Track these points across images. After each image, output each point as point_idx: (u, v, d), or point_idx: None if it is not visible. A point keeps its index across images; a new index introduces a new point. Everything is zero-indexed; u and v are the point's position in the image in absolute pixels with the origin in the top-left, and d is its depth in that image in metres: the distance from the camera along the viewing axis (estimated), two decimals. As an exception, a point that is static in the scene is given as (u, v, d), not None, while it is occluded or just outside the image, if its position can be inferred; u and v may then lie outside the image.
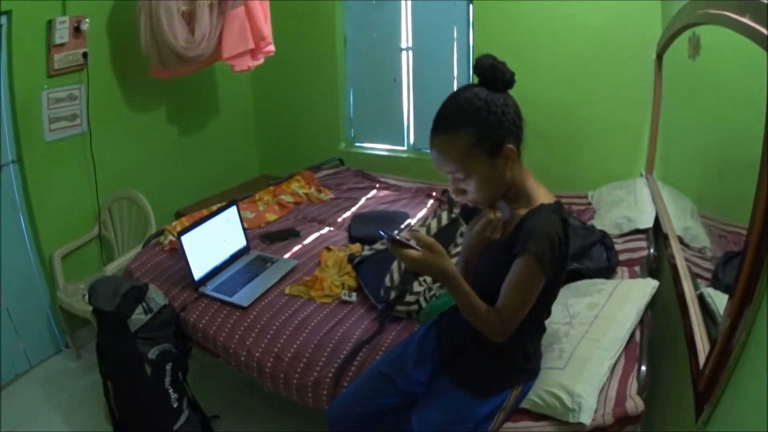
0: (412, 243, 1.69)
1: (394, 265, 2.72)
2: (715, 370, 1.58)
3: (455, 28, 4.57)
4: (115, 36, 3.76)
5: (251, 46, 3.83)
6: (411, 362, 2.10)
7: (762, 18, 1.46)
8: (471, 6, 4.39)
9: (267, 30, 3.90)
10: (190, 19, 3.62)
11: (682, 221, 2.88)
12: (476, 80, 1.70)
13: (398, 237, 1.71)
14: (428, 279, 2.68)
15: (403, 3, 4.69)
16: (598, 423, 1.90)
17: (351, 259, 3.02)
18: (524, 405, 2.02)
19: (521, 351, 1.95)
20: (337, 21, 4.82)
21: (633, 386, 2.03)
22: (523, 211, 1.73)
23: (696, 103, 2.83)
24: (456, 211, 3.11)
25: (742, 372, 1.46)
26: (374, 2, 4.78)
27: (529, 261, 1.62)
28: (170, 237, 3.15)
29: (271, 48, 4.02)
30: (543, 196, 1.74)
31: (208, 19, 3.60)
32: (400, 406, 2.06)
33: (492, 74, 1.65)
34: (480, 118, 1.62)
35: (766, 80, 1.36)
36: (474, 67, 1.68)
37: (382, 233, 1.75)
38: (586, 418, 1.88)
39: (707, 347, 1.80)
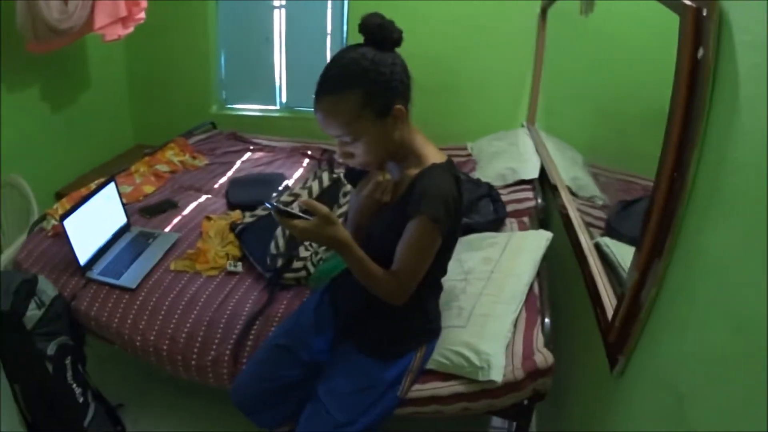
0: (297, 210, 1.64)
1: (278, 231, 2.64)
2: (626, 322, 1.62)
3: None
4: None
5: (123, 13, 3.62)
6: (309, 331, 2.05)
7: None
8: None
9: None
10: (62, -12, 3.38)
11: (569, 171, 2.95)
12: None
13: (285, 208, 1.64)
14: (314, 243, 2.63)
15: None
16: (508, 379, 1.93)
17: (233, 227, 2.92)
18: (430, 366, 2.02)
19: (421, 312, 1.94)
20: (208, -21, 4.62)
21: (539, 339, 2.06)
22: (414, 172, 1.69)
23: (583, 57, 2.89)
24: (337, 171, 3.05)
25: (655, 323, 1.50)
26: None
27: (424, 222, 1.59)
28: (53, 221, 2.95)
29: (142, 15, 3.83)
30: (433, 155, 1.71)
31: None
32: (305, 377, 2.01)
33: (380, 33, 1.58)
34: (367, 79, 1.55)
35: (677, 47, 1.37)
36: (360, 26, 1.60)
37: (267, 204, 1.68)
38: (496, 375, 1.91)
39: (612, 298, 1.84)
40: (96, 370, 2.69)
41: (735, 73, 1.17)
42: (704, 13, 1.26)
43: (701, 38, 1.28)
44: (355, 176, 1.94)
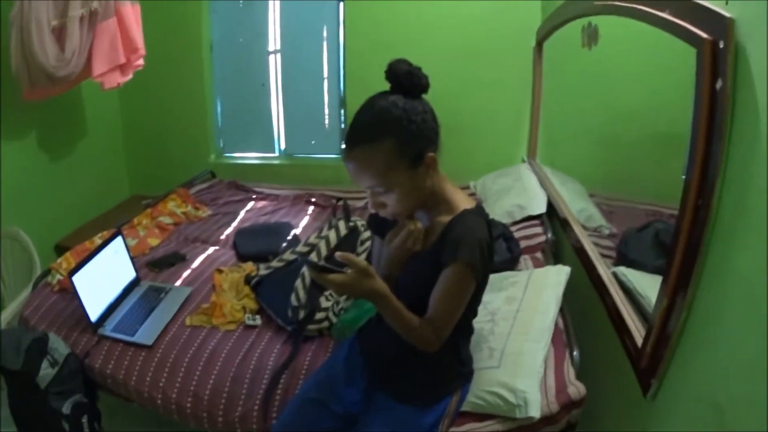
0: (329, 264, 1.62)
1: (298, 282, 2.62)
2: (657, 347, 1.66)
3: (325, 27, 4.54)
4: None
5: (122, 60, 3.61)
6: (341, 383, 2.03)
7: (683, 13, 1.55)
8: (341, 4, 4.37)
9: (139, 40, 3.70)
10: (60, 34, 3.33)
11: (576, 203, 3.00)
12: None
13: (322, 264, 1.65)
14: (335, 293, 2.62)
15: (271, 4, 4.58)
16: (544, 413, 1.94)
17: (248, 280, 2.91)
18: (466, 408, 2.02)
19: (455, 356, 1.93)
20: (203, 27, 4.63)
21: (570, 372, 2.09)
22: (445, 218, 1.66)
23: (583, 88, 2.97)
24: (353, 219, 3.06)
25: (686, 345, 1.54)
26: (241, 4, 4.64)
27: (461, 269, 1.57)
28: (58, 276, 2.94)
29: (141, 62, 3.82)
30: (463, 201, 1.70)
31: (78, 34, 3.34)
32: (340, 429, 1.99)
33: (408, 81, 1.56)
34: (400, 128, 1.52)
35: (695, 76, 1.42)
36: (387, 73, 1.57)
37: (304, 262, 1.69)
38: (534, 411, 1.92)
39: (638, 324, 1.88)
40: (109, 424, 2.69)
41: (754, 102, 1.23)
42: (721, 46, 1.32)
43: (719, 70, 1.33)
44: (378, 224, 1.93)
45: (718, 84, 1.33)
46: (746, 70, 1.26)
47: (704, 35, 1.38)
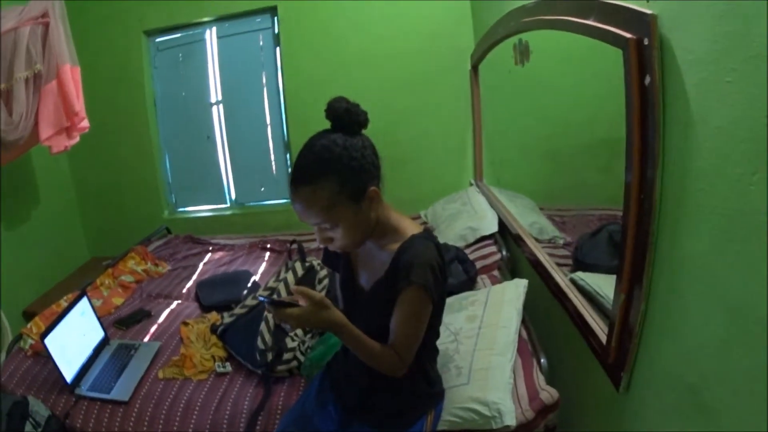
0: (298, 299, 1.64)
1: (262, 326, 2.65)
2: (622, 341, 1.70)
3: (264, 73, 4.60)
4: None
5: (66, 123, 3.59)
6: (316, 418, 2.05)
7: (606, 17, 1.62)
8: (278, 48, 4.44)
9: (79, 104, 3.65)
10: (7, 98, 3.32)
11: (526, 218, 3.06)
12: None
13: (279, 299, 1.67)
14: (299, 333, 2.65)
15: (209, 55, 4.64)
16: (520, 421, 1.98)
17: (213, 329, 2.93)
18: (442, 427, 2.04)
19: (423, 378, 1.95)
20: (145, 82, 4.67)
21: (540, 379, 2.14)
22: (394, 246, 1.69)
23: (522, 104, 3.05)
24: (309, 259, 3.09)
25: (650, 334, 1.59)
26: (180, 57, 4.69)
27: (415, 292, 1.61)
28: (30, 340, 2.93)
29: (86, 123, 3.77)
30: (410, 227, 1.73)
31: (24, 97, 3.32)
32: None
33: (347, 118, 1.60)
34: (341, 165, 1.55)
35: (624, 78, 1.49)
36: (327, 112, 1.60)
37: (261, 298, 1.72)
38: (510, 420, 1.95)
39: (600, 323, 1.92)
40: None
41: (683, 90, 1.29)
42: (645, 42, 1.38)
43: (646, 66, 1.40)
44: (333, 260, 1.98)
45: (647, 80, 1.40)
46: (673, 62, 1.33)
47: (628, 35, 1.45)
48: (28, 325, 3.08)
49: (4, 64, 3.31)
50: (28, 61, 3.35)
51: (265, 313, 2.68)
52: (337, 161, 1.56)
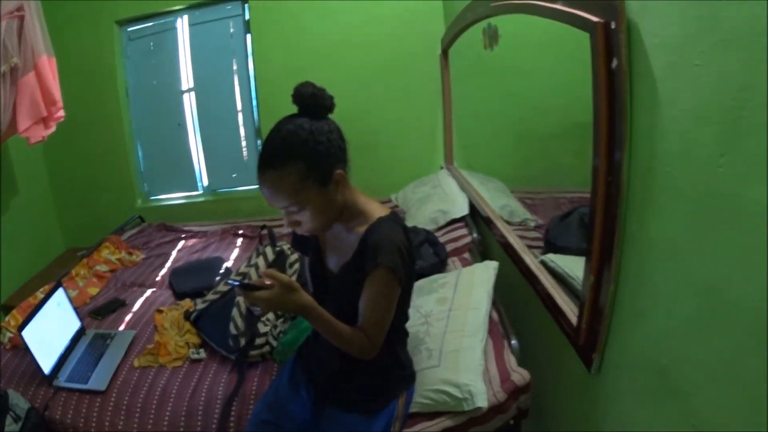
0: (266, 282, 1.64)
1: (234, 311, 2.65)
2: (592, 322, 1.72)
3: (234, 60, 4.57)
4: None
5: (44, 113, 3.56)
6: (289, 402, 2.06)
7: (574, 1, 1.62)
8: (248, 35, 4.41)
9: (57, 92, 3.64)
10: (-17, 93, 3.31)
11: (497, 201, 3.07)
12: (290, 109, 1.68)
13: (246, 281, 1.67)
14: (271, 317, 2.65)
15: (180, 43, 4.60)
16: (491, 402, 2.00)
17: (187, 315, 2.92)
18: (414, 409, 2.06)
19: (394, 360, 1.97)
20: (117, 72, 4.60)
21: (511, 360, 2.16)
22: (361, 229, 1.72)
23: (492, 89, 3.05)
24: (279, 243, 3.09)
25: (621, 315, 1.61)
26: (152, 46, 4.64)
27: (383, 274, 1.63)
28: (8, 334, 2.91)
29: (62, 113, 3.75)
30: (377, 210, 1.75)
31: (2, 90, 3.28)
32: None
33: (313, 102, 1.62)
34: (307, 149, 1.58)
35: (591, 62, 1.50)
36: (294, 96, 1.63)
37: (230, 282, 1.72)
38: (481, 402, 1.97)
39: (571, 305, 1.94)
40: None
41: (650, 74, 1.30)
42: (612, 26, 1.39)
43: (613, 49, 1.41)
44: (302, 243, 1.99)
45: (614, 63, 1.41)
46: (640, 46, 1.33)
47: (595, 19, 1.45)
48: (6, 319, 3.06)
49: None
50: (4, 55, 3.32)
51: (237, 298, 2.68)
52: (303, 145, 1.58)
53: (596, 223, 1.60)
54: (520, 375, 2.05)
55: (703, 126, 1.14)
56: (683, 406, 1.32)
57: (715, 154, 1.11)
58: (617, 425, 1.69)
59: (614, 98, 1.44)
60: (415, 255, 1.84)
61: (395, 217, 1.76)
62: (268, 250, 2.99)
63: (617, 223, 1.51)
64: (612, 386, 1.71)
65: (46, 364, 2.59)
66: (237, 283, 1.65)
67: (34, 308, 2.67)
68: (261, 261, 2.93)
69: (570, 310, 1.93)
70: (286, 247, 3.01)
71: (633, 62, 1.37)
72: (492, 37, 2.69)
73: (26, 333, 2.51)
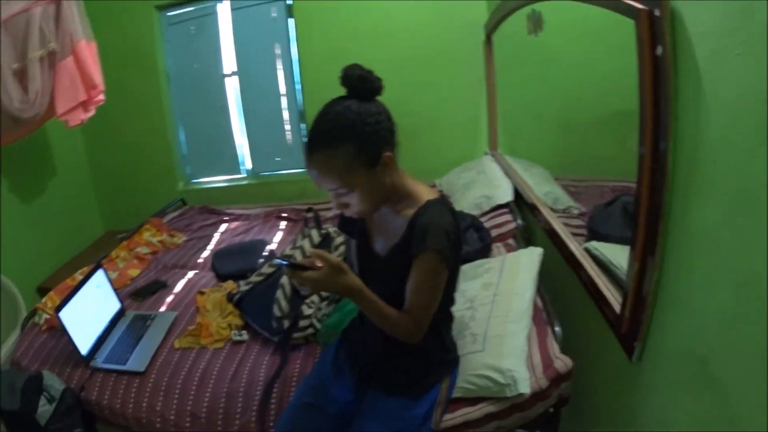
0: (316, 263, 1.67)
1: (278, 293, 2.67)
2: (635, 310, 1.71)
3: (277, 44, 4.59)
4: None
5: (83, 97, 3.62)
6: (332, 385, 2.05)
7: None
8: (291, 20, 4.43)
9: (97, 76, 3.69)
10: (22, 77, 3.38)
11: (541, 187, 3.06)
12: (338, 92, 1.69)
13: (295, 261, 1.69)
14: (315, 299, 2.67)
15: (222, 27, 4.63)
16: (534, 389, 1.99)
17: (230, 297, 2.95)
18: (457, 394, 2.07)
19: (439, 344, 1.98)
20: (158, 57, 4.67)
21: (554, 347, 2.15)
22: (410, 212, 1.71)
23: (536, 75, 3.03)
24: (325, 227, 3.11)
25: (663, 304, 1.60)
26: (193, 30, 4.68)
27: (431, 257, 1.63)
28: (44, 315, 2.95)
29: (102, 97, 3.80)
30: (426, 193, 1.74)
31: (39, 75, 3.35)
32: (337, 429, 2.02)
33: (362, 84, 1.62)
34: (355, 131, 1.58)
35: (636, 49, 1.49)
36: (342, 78, 1.63)
37: (279, 262, 1.74)
38: (524, 388, 1.97)
39: (615, 293, 1.93)
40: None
41: (694, 62, 1.29)
42: (657, 13, 1.38)
43: (657, 37, 1.39)
44: (349, 226, 2.00)
45: (659, 50, 1.39)
46: (683, 33, 1.32)
47: (639, 5, 1.44)
48: (43, 300, 3.11)
49: (17, 45, 3.34)
50: (41, 40, 3.38)
51: (282, 280, 2.71)
52: (352, 127, 1.58)
53: (641, 210, 1.58)
54: (562, 362, 2.05)
55: (744, 116, 1.13)
56: (721, 397, 1.31)
57: (756, 145, 1.09)
58: (656, 414, 1.69)
59: (659, 86, 1.43)
60: (463, 239, 1.84)
61: (444, 201, 1.76)
62: (314, 233, 3.02)
63: (662, 211, 1.50)
64: (652, 375, 1.71)
65: (84, 346, 2.63)
66: (285, 263, 1.68)
67: (72, 289, 2.70)
68: (307, 243, 2.95)
69: (613, 297, 1.92)
70: (331, 230, 3.04)
71: (677, 50, 1.36)
72: (536, 22, 2.67)
73: (63, 314, 2.53)
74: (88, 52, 3.60)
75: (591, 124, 2.32)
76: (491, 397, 2.03)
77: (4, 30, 3.28)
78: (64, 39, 3.47)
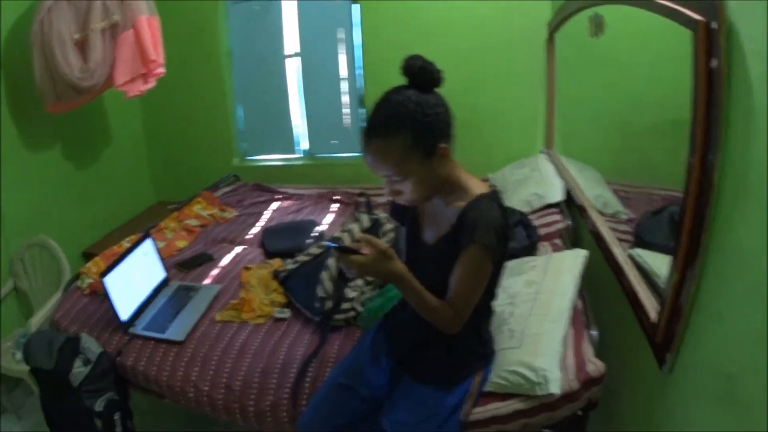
0: (363, 247, 1.70)
1: (324, 274, 2.70)
2: (671, 321, 1.71)
3: (340, 29, 4.60)
4: (7, 73, 3.49)
5: (143, 70, 3.67)
6: (367, 368, 2.09)
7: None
8: (355, 6, 4.44)
9: (158, 52, 3.74)
10: (83, 47, 3.45)
11: (592, 190, 3.05)
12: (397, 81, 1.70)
13: (343, 245, 1.73)
14: (360, 283, 2.70)
15: (285, 7, 4.66)
16: (565, 390, 2.00)
17: (276, 275, 2.99)
18: (489, 388, 2.08)
19: (476, 337, 2.00)
20: (221, 33, 4.72)
21: (589, 350, 2.16)
22: (461, 204, 1.72)
23: (595, 78, 3.02)
24: (375, 212, 3.14)
25: (698, 318, 1.60)
26: (257, 7, 4.71)
27: (478, 251, 1.64)
28: (88, 280, 3.03)
29: (162, 70, 3.83)
30: (478, 186, 1.75)
31: (101, 46, 3.43)
32: (368, 412, 2.06)
33: (422, 75, 1.64)
34: (414, 121, 1.59)
35: (692, 59, 1.48)
36: (403, 68, 1.64)
37: (328, 243, 1.77)
38: (555, 388, 1.98)
39: (653, 302, 1.93)
40: (140, 424, 2.76)
41: (747, 78, 1.29)
42: (714, 26, 1.38)
43: (713, 49, 1.39)
44: (400, 213, 2.04)
45: (713, 63, 1.39)
46: (739, 49, 1.32)
47: (698, 17, 1.44)
48: (88, 265, 3.18)
49: (78, 16, 3.41)
50: (104, 12, 3.45)
51: (328, 262, 2.74)
52: (410, 116, 1.60)
53: (686, 220, 1.58)
54: (595, 366, 2.05)
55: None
56: (744, 416, 1.32)
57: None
58: (681, 427, 1.69)
59: (712, 98, 1.42)
60: (511, 235, 1.85)
61: (495, 196, 1.77)
62: (364, 217, 3.05)
63: (705, 224, 1.50)
64: (681, 387, 1.71)
65: (125, 312, 2.68)
66: (335, 245, 1.71)
67: (119, 256, 2.75)
68: (356, 227, 2.98)
69: (651, 306, 1.92)
70: (382, 215, 3.06)
71: (732, 64, 1.35)
72: (598, 25, 2.66)
73: (108, 279, 2.58)
74: (151, 26, 3.67)
75: (647, 130, 2.30)
76: (521, 394, 2.05)
77: (67, 1, 3.36)
78: (126, 12, 3.53)
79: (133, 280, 2.79)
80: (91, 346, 2.51)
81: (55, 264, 3.50)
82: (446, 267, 1.73)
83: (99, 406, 2.45)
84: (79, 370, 2.41)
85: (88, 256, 3.94)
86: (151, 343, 2.61)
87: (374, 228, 3.03)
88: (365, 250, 1.68)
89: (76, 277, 3.14)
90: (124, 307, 2.68)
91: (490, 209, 1.68)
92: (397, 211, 2.07)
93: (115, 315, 2.64)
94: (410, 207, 1.95)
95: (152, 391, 2.57)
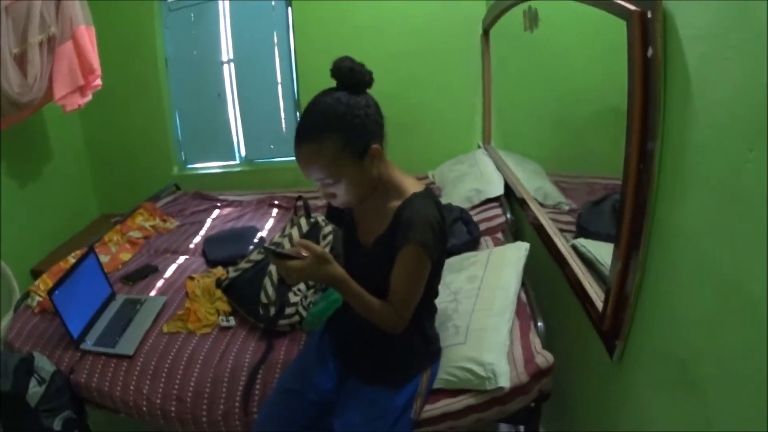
0: (301, 252, 1.69)
1: (265, 280, 2.69)
2: (617, 309, 1.73)
3: (275, 33, 4.57)
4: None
5: (81, 82, 3.60)
6: (315, 372, 2.07)
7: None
8: (290, 9, 4.41)
9: (96, 62, 3.67)
10: (21, 61, 3.34)
11: (533, 183, 3.07)
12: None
13: (281, 251, 1.71)
14: (302, 287, 2.68)
15: (221, 14, 4.61)
16: (514, 384, 2.01)
17: (218, 283, 2.96)
18: (437, 385, 2.08)
19: (421, 335, 2.00)
20: (157, 42, 4.64)
21: (536, 342, 2.16)
22: (396, 204, 1.73)
23: (531, 72, 3.04)
24: (314, 215, 3.11)
25: (644, 304, 1.62)
26: (192, 17, 4.66)
27: (414, 249, 1.65)
28: (38, 298, 2.95)
29: (99, 82, 3.77)
30: (412, 185, 1.76)
31: (39, 59, 3.32)
32: (318, 416, 2.04)
33: (352, 77, 1.64)
34: (344, 123, 1.60)
35: (627, 50, 1.50)
36: (332, 70, 1.64)
37: (268, 249, 1.75)
38: (504, 382, 1.98)
39: (598, 291, 1.95)
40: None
41: (684, 64, 1.30)
42: (649, 15, 1.39)
43: (649, 38, 1.40)
44: (337, 216, 2.03)
45: (650, 52, 1.40)
46: (675, 36, 1.33)
47: (632, 7, 1.45)
48: (36, 283, 3.10)
49: (17, 30, 3.31)
50: (41, 25, 3.36)
51: (269, 267, 2.71)
52: (340, 119, 1.60)
53: (626, 209, 1.60)
54: (543, 357, 2.06)
55: (733, 119, 1.14)
56: (699, 400, 1.32)
57: (744, 149, 1.10)
58: (635, 414, 1.71)
59: (649, 87, 1.44)
60: (448, 232, 1.85)
61: (429, 193, 1.78)
62: (303, 222, 3.01)
63: (647, 210, 1.51)
64: (632, 375, 1.72)
65: (75, 328, 2.62)
66: (270, 250, 1.69)
67: (65, 273, 2.70)
68: (295, 232, 2.95)
69: (597, 295, 1.93)
70: (320, 218, 3.03)
71: (668, 52, 1.37)
72: (532, 19, 2.68)
73: (56, 297, 2.53)
74: (88, 37, 3.59)
75: (586, 121, 2.32)
76: (472, 390, 2.05)
77: (5, 15, 3.25)
78: (64, 24, 3.45)
79: (81, 295, 2.74)
80: (45, 365, 2.45)
81: (4, 284, 3.39)
82: (385, 267, 1.73)
83: (57, 425, 2.38)
84: (34, 390, 2.35)
85: (36, 273, 3.87)
86: (102, 358, 2.56)
87: (314, 231, 3.00)
88: (304, 253, 1.67)
89: (26, 295, 3.06)
90: (74, 323, 2.63)
91: (425, 207, 1.69)
92: (333, 214, 2.07)
93: (66, 331, 2.59)
94: (346, 209, 1.94)
95: (107, 407, 2.53)
